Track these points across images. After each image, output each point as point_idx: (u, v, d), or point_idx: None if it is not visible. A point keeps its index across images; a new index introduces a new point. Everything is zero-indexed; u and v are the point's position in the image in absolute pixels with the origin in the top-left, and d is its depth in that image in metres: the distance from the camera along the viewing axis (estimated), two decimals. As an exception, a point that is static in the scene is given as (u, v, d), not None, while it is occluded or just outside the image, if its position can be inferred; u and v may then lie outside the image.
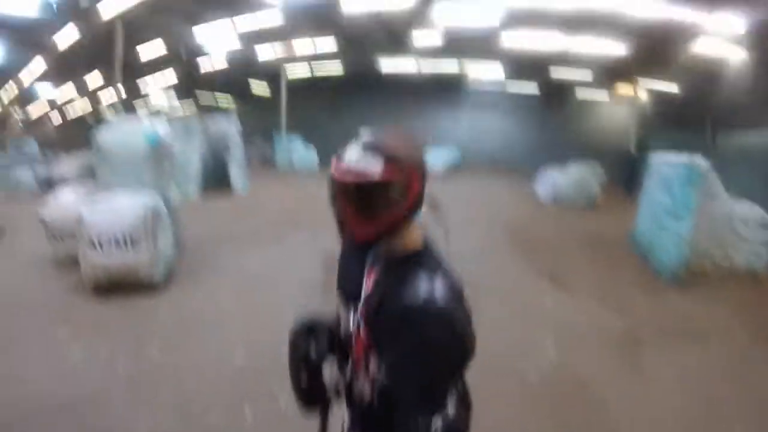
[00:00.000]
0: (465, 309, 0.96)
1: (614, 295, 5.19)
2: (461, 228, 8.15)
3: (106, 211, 4.64)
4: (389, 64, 19.16)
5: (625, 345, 4.00)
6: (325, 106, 23.97)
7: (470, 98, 23.71)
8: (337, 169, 0.99)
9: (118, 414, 2.86)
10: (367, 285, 1.09)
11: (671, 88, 15.78)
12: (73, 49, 13.59)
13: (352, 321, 1.11)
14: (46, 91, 22.75)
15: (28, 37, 13.25)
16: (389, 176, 0.95)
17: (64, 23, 11.65)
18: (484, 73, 19.59)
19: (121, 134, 5.63)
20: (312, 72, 20.45)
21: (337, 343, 1.15)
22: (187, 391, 3.12)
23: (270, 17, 12.01)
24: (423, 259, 1.02)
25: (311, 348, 1.12)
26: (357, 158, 0.97)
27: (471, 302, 1.00)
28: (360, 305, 1.09)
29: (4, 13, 10.14)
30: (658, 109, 17.68)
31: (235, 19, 12.46)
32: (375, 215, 0.98)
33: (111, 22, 11.60)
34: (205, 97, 28.11)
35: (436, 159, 18.35)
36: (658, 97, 17.51)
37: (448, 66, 18.88)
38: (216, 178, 12.08)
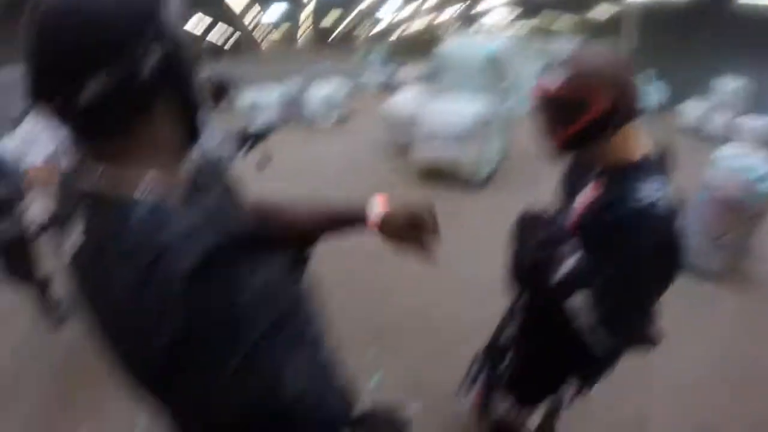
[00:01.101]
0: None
1: None
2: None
3: (441, 110, 5.26)
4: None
5: None
6: (676, 37, 19.89)
7: None
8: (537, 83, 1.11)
9: (412, 296, 3.25)
10: (589, 192, 1.13)
11: None
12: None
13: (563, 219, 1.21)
14: (390, 10, 26.88)
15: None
16: (563, 92, 1.04)
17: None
18: None
19: (462, 47, 6.08)
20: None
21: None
22: (467, 276, 3.36)
23: None
24: (646, 169, 1.04)
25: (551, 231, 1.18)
26: (550, 74, 1.09)
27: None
28: (573, 209, 1.17)
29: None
30: None
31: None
32: (556, 127, 1.09)
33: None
34: (546, 18, 28.03)
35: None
36: None
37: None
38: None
